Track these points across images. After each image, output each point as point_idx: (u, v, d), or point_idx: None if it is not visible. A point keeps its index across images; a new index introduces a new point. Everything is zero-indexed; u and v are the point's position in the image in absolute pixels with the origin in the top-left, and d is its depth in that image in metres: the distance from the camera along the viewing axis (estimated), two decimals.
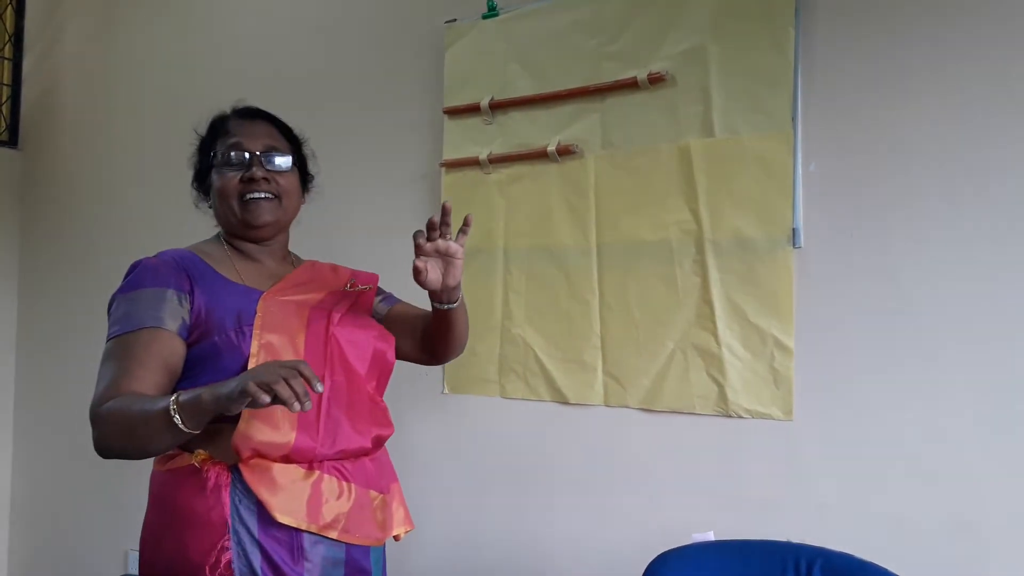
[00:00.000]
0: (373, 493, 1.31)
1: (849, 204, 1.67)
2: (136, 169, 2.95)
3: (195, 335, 1.22)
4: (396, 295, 1.66)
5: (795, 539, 1.53)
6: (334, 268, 1.49)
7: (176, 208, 2.82)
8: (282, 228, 1.41)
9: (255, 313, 1.24)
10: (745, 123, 1.75)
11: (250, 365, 1.18)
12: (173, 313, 1.21)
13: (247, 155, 1.33)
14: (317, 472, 1.23)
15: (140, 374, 1.16)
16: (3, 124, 3.30)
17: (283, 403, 0.98)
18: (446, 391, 2.16)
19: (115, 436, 1.12)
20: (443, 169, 2.17)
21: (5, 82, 3.31)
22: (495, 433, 2.11)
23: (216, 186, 1.35)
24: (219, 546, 1.16)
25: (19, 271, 3.31)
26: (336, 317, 1.32)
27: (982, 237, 1.55)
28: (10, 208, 3.28)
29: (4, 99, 3.30)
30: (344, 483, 1.26)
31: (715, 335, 1.78)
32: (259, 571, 1.17)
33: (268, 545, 1.18)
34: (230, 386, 1.03)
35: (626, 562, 1.73)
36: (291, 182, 1.38)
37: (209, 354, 1.21)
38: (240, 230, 1.36)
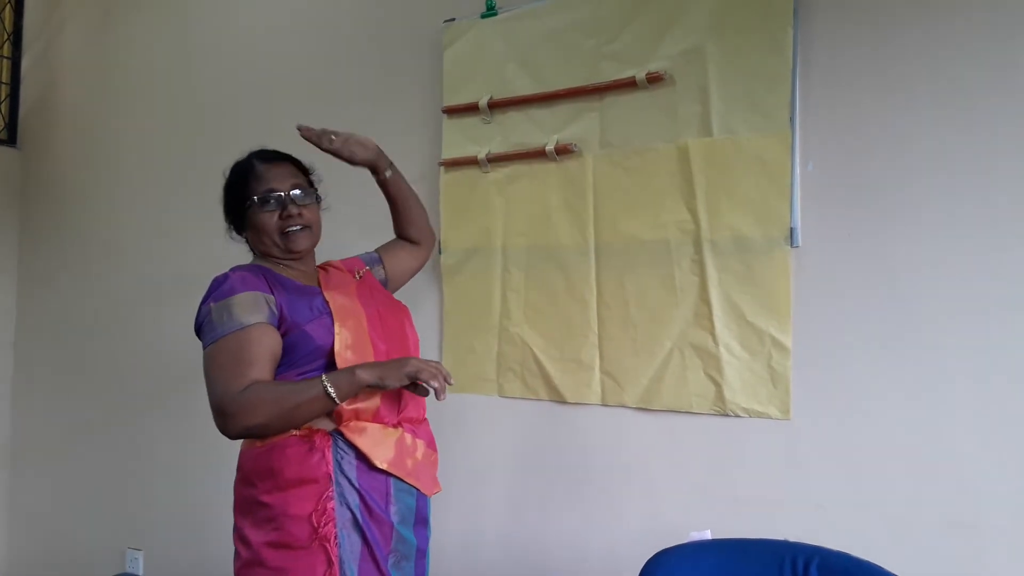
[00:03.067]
0: (430, 451, 1.59)
1: (847, 204, 1.67)
2: (135, 167, 2.95)
3: (283, 328, 1.46)
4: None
5: (792, 538, 1.53)
6: (340, 265, 1.74)
7: (175, 207, 2.83)
8: (314, 248, 1.66)
9: (324, 305, 1.50)
10: (743, 123, 1.76)
11: (337, 345, 1.45)
12: (269, 312, 1.44)
13: (280, 195, 1.56)
14: (400, 430, 1.51)
15: (259, 364, 1.39)
16: (2, 123, 3.30)
17: (433, 390, 1.41)
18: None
19: (263, 415, 1.36)
20: (442, 168, 2.17)
21: (4, 81, 3.31)
22: (493, 432, 2.11)
23: (258, 225, 1.56)
24: (323, 496, 1.40)
25: (18, 269, 3.31)
26: (376, 304, 1.61)
27: (980, 236, 1.55)
28: (9, 206, 3.28)
29: (3, 98, 3.30)
30: (416, 439, 1.54)
31: (713, 334, 1.78)
32: (358, 513, 1.43)
33: (365, 491, 1.44)
34: (393, 371, 1.41)
35: (623, 560, 1.73)
36: (315, 211, 1.62)
37: (299, 340, 1.44)
38: (282, 256, 1.59)
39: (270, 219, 1.55)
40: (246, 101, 2.66)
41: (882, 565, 1.39)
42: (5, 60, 3.31)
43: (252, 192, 1.56)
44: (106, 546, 2.95)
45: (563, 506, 1.99)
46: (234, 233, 1.65)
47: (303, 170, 1.65)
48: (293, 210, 1.55)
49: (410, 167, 2.29)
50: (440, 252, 2.18)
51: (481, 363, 2.10)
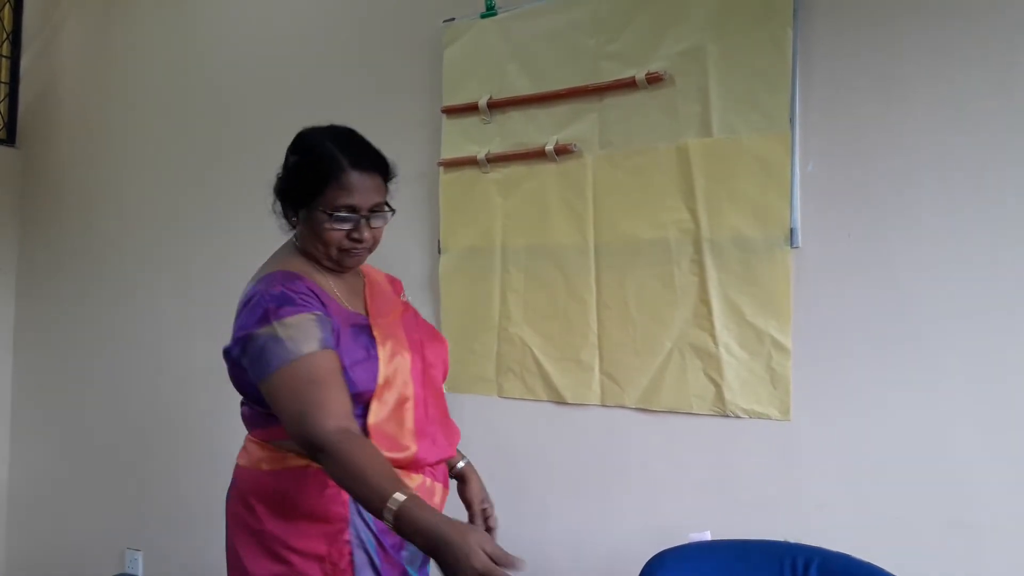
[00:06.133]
0: (445, 491, 1.46)
1: (847, 204, 1.67)
2: (134, 166, 2.95)
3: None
4: None
5: (792, 539, 1.54)
6: (383, 280, 1.56)
7: (175, 205, 2.82)
8: None
9: (372, 345, 1.34)
10: (743, 123, 1.75)
11: (378, 390, 1.32)
12: (330, 335, 1.29)
13: (358, 217, 1.36)
14: (421, 476, 1.38)
15: (338, 395, 1.24)
16: (1, 122, 3.29)
17: None
18: (444, 390, 2.16)
19: (339, 472, 1.19)
20: (441, 168, 2.17)
21: (3, 80, 3.30)
22: (492, 432, 2.11)
23: (320, 234, 1.36)
24: (339, 537, 1.30)
25: (17, 268, 3.31)
26: (420, 336, 1.47)
27: (979, 237, 1.55)
28: (8, 206, 3.28)
29: (2, 97, 3.30)
30: (436, 483, 1.41)
31: (712, 335, 1.78)
32: (374, 556, 1.32)
33: (381, 533, 1.32)
34: (449, 554, 1.07)
35: (623, 561, 1.73)
36: (383, 228, 1.42)
37: (344, 370, 1.29)
38: (329, 265, 1.41)
39: (337, 235, 1.35)
40: (246, 100, 2.66)
41: (882, 566, 1.39)
42: (4, 59, 3.31)
43: (329, 201, 1.33)
44: (105, 546, 2.95)
45: (563, 506, 1.99)
46: (279, 214, 1.42)
47: (388, 178, 1.42)
48: (365, 234, 1.36)
49: (410, 167, 2.29)
50: (440, 252, 2.18)
51: (480, 363, 2.10)
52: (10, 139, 3.30)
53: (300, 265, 1.39)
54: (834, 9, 1.69)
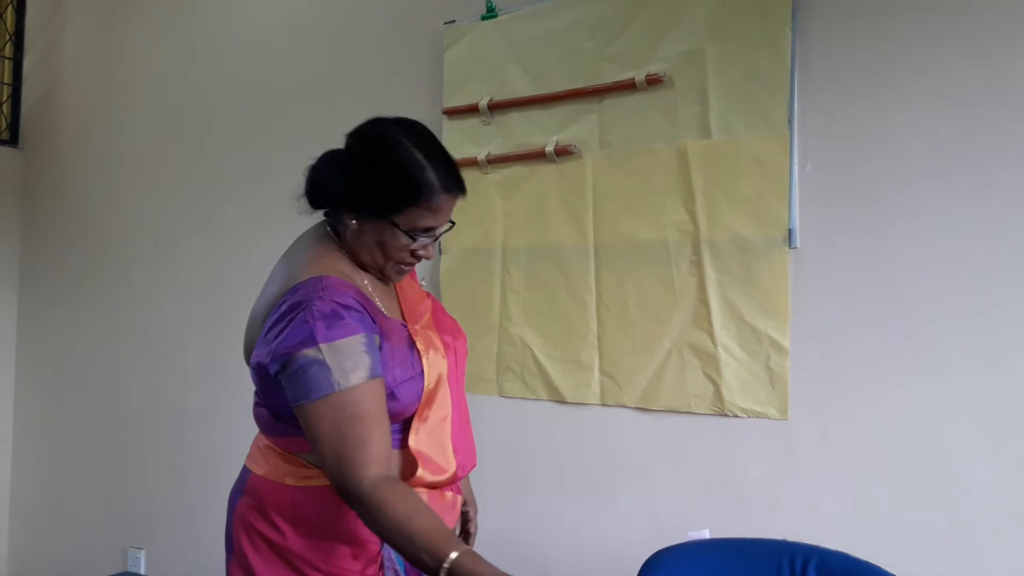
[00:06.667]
0: (462, 501, 1.44)
1: (845, 205, 1.68)
2: (136, 167, 2.96)
3: None
4: None
5: (790, 538, 1.54)
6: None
7: (177, 206, 2.83)
8: None
9: (417, 361, 1.26)
10: (742, 124, 1.76)
11: (420, 409, 1.25)
12: (377, 358, 1.19)
13: (432, 238, 1.29)
14: (451, 492, 1.35)
15: (380, 435, 1.16)
16: (4, 123, 3.31)
17: None
18: None
19: (377, 524, 1.13)
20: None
21: (6, 81, 3.32)
22: (493, 432, 2.11)
23: (387, 247, 1.26)
24: (372, 560, 1.26)
25: (19, 269, 3.32)
26: (451, 333, 1.40)
27: (978, 237, 1.56)
28: (11, 207, 3.29)
29: (5, 98, 3.31)
30: (456, 495, 1.38)
31: (711, 335, 1.79)
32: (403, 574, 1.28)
33: None
34: None
35: (622, 560, 1.74)
36: None
37: (389, 387, 1.22)
38: (374, 273, 1.32)
39: (402, 251, 1.27)
40: (248, 102, 2.67)
41: (880, 565, 1.39)
42: (7, 60, 3.32)
43: (410, 220, 1.23)
44: (108, 545, 2.96)
45: (563, 505, 2.00)
46: (347, 213, 1.27)
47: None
48: (430, 251, 1.29)
49: None
50: (440, 253, 2.19)
51: (481, 363, 2.11)
52: (13, 140, 3.31)
53: (343, 267, 1.28)
54: (832, 11, 1.70)
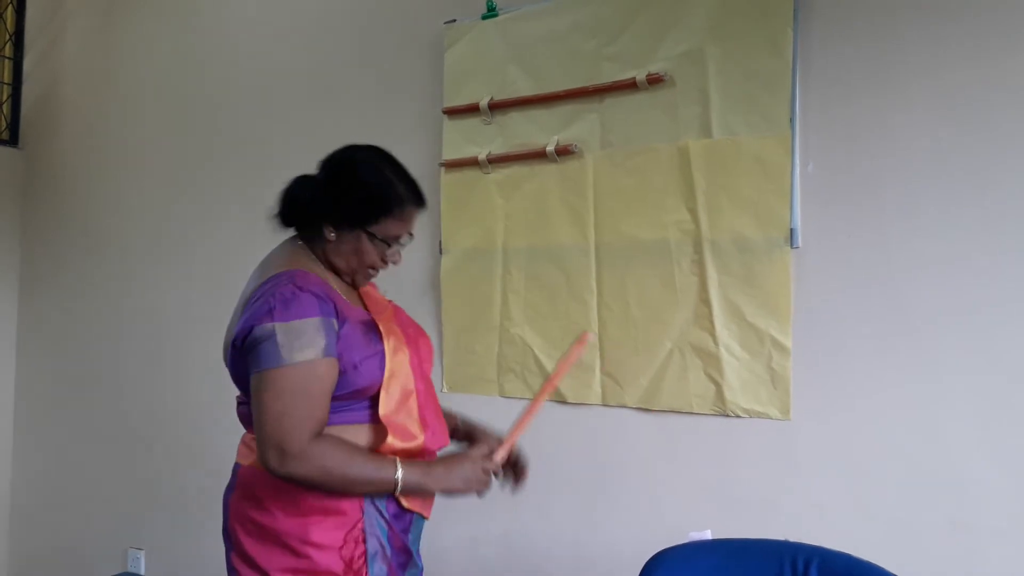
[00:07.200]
0: None
1: (847, 205, 1.68)
2: (136, 167, 2.96)
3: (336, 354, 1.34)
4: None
5: (792, 538, 1.54)
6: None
7: (177, 206, 2.83)
8: None
9: (378, 341, 1.39)
10: (743, 124, 1.76)
11: (385, 382, 1.37)
12: (333, 340, 1.32)
13: (400, 244, 1.45)
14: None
15: (321, 405, 1.30)
16: (4, 123, 3.30)
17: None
18: (445, 390, 2.16)
19: (323, 473, 1.28)
20: (442, 169, 2.18)
21: (6, 81, 3.32)
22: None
23: (361, 253, 1.42)
24: (354, 527, 1.36)
25: (20, 268, 3.32)
26: (413, 332, 1.52)
27: (978, 237, 1.55)
28: (11, 206, 3.29)
29: (5, 98, 3.31)
30: None
31: (713, 335, 1.78)
32: (386, 543, 1.39)
33: (393, 520, 1.40)
34: (453, 486, 1.37)
35: (623, 560, 1.73)
36: None
37: (348, 379, 1.34)
38: (346, 279, 1.46)
39: (375, 258, 1.43)
40: (248, 101, 2.66)
41: (881, 565, 1.39)
42: (7, 60, 3.32)
43: (384, 230, 1.40)
44: (108, 545, 2.96)
45: (564, 505, 2.00)
46: (326, 228, 1.40)
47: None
48: (398, 257, 1.46)
49: (410, 167, 2.28)
50: (441, 253, 2.19)
51: (482, 364, 2.11)
52: (13, 139, 3.31)
53: (311, 266, 1.43)
54: (833, 10, 1.70)
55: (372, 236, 1.40)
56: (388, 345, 1.40)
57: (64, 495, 3.12)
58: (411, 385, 1.43)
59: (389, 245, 1.42)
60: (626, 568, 1.61)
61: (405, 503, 1.40)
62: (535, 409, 1.49)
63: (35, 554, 3.21)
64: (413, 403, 1.42)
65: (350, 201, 1.39)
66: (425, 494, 1.40)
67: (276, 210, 1.44)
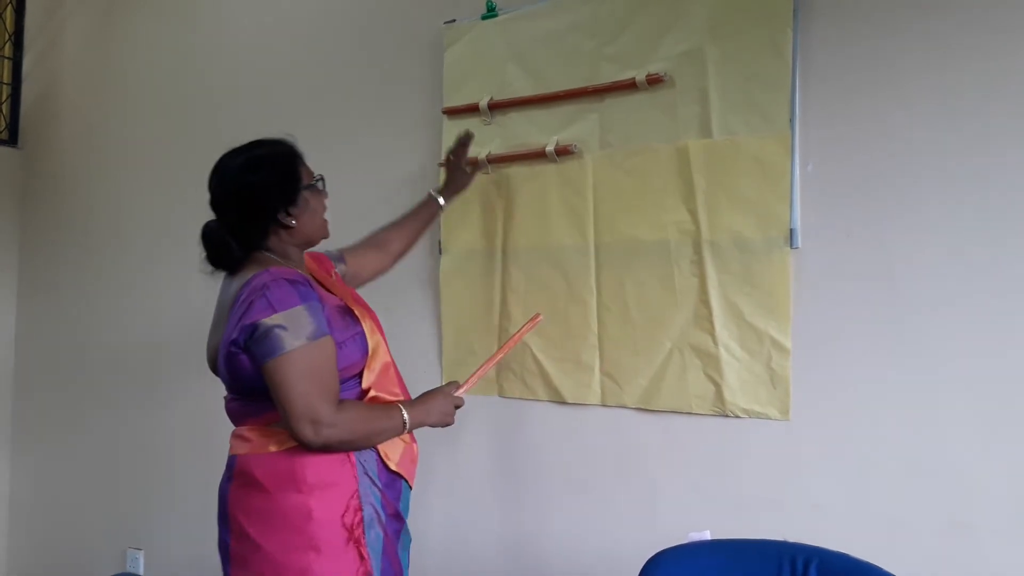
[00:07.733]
0: (417, 447, 1.65)
1: (847, 205, 1.68)
2: (136, 167, 2.96)
3: None
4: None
5: (791, 538, 1.54)
6: (314, 264, 1.71)
7: (176, 206, 2.83)
8: None
9: (352, 313, 1.55)
10: (743, 124, 1.76)
11: (368, 360, 1.54)
12: (323, 320, 1.45)
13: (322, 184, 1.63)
14: (415, 445, 1.62)
15: (335, 377, 1.45)
16: (3, 123, 3.31)
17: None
18: None
19: (355, 433, 1.45)
20: (442, 168, 2.17)
21: (5, 81, 3.32)
22: (493, 432, 2.11)
23: (317, 209, 1.60)
24: (351, 496, 1.47)
25: (19, 268, 3.32)
26: (371, 311, 1.65)
27: (979, 237, 1.55)
28: (10, 206, 3.29)
29: (4, 98, 3.31)
30: (415, 444, 1.63)
31: (712, 335, 1.78)
32: (380, 509, 1.51)
33: (385, 488, 1.53)
34: (441, 416, 1.60)
35: (622, 561, 1.73)
36: None
37: (337, 347, 1.48)
38: (317, 239, 1.64)
39: (322, 203, 1.61)
40: (248, 101, 2.66)
41: (881, 565, 1.39)
42: (6, 60, 3.32)
43: (308, 177, 1.59)
44: (107, 546, 2.96)
45: (562, 507, 2.00)
46: (284, 218, 1.55)
47: None
48: (326, 194, 1.63)
49: (410, 168, 2.30)
50: (440, 253, 2.19)
51: (481, 364, 2.10)
52: (12, 139, 3.31)
53: (281, 264, 1.55)
54: (834, 10, 1.70)
55: (310, 187, 1.58)
56: (366, 326, 1.55)
57: (63, 495, 3.12)
58: (388, 359, 1.59)
59: (322, 189, 1.60)
60: (625, 568, 1.61)
61: (392, 466, 1.53)
62: (493, 362, 1.76)
63: (34, 554, 3.21)
64: (392, 374, 1.59)
65: (282, 180, 1.54)
66: (420, 426, 1.56)
67: (217, 260, 1.54)
